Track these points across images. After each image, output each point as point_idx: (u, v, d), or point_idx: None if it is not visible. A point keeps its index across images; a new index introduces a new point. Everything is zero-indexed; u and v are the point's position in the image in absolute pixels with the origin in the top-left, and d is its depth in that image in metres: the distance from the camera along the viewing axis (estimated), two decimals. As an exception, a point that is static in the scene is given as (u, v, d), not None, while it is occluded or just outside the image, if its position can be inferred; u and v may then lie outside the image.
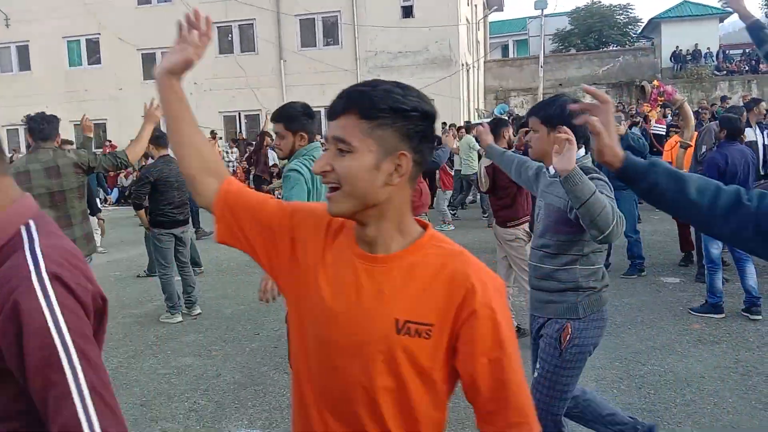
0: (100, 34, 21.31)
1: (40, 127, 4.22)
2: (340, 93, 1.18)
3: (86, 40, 21.76)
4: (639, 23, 34.07)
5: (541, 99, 21.54)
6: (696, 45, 25.30)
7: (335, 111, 1.17)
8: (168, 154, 5.96)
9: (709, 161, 5.43)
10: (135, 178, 5.96)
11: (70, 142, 8.40)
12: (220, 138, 18.98)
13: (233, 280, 7.43)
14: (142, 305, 6.63)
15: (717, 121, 6.73)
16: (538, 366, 2.56)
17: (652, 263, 7.02)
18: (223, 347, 5.17)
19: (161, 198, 5.87)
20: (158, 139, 5.80)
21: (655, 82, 5.41)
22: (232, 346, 5.16)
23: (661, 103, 5.59)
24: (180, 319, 5.90)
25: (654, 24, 28.54)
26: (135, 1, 21.10)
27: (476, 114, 21.96)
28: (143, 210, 6.02)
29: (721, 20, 28.66)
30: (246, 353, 5.01)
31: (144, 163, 10.93)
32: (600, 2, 34.56)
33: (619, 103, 19.60)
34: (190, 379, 4.46)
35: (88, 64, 21.95)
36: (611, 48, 30.92)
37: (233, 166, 17.98)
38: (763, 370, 4.18)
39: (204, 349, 5.10)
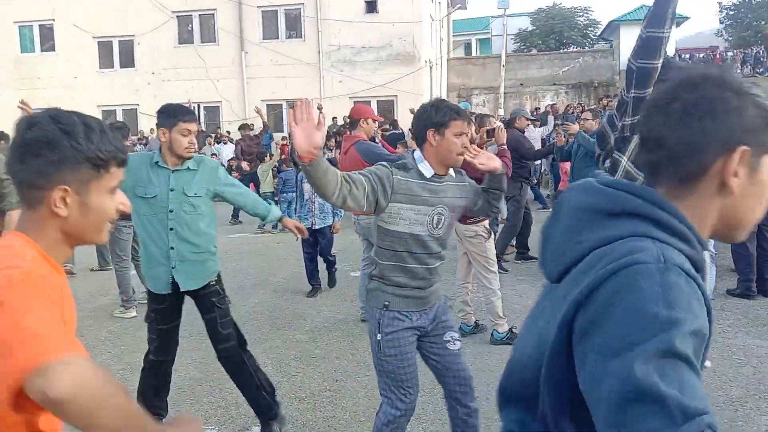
0: (54, 20, 20.64)
1: None
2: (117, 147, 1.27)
3: (39, 25, 21.04)
4: (598, 26, 34.75)
5: (503, 98, 21.58)
6: (653, 48, 25.89)
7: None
8: (128, 144, 5.84)
9: None
10: None
11: None
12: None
13: (190, 274, 7.28)
14: (95, 299, 6.45)
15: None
16: (458, 337, 2.81)
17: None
18: (179, 342, 5.06)
19: None
20: (120, 130, 5.65)
21: None
22: (188, 341, 5.05)
23: None
24: (134, 314, 5.76)
25: (613, 26, 29.14)
26: (92, -13, 20.52)
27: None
28: None
29: (678, 25, 29.46)
30: (202, 349, 4.91)
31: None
32: (561, 4, 35.16)
33: (578, 103, 19.95)
34: (143, 376, 4.35)
35: (42, 50, 21.23)
36: (571, 49, 31.45)
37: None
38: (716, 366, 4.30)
39: (159, 345, 4.99)
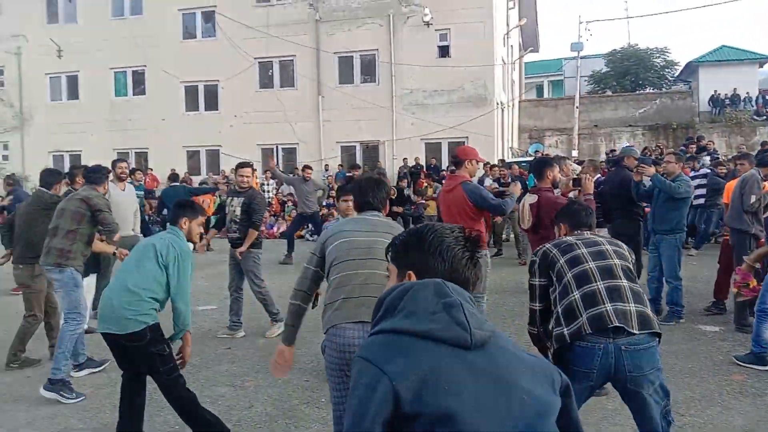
0: (146, 66, 22.07)
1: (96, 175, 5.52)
2: None
3: (132, 71, 22.55)
4: (676, 66, 33.86)
5: (576, 139, 21.24)
6: (735, 89, 25.02)
7: None
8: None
9: None
10: (245, 203, 6.68)
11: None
12: (255, 170, 19.27)
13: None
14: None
15: (758, 169, 6.61)
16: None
17: (690, 310, 6.87)
18: (255, 378, 5.20)
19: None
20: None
21: (735, 290, 5.23)
22: (264, 377, 5.19)
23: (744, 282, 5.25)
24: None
25: (692, 68, 28.38)
26: (180, 35, 21.85)
27: (510, 153, 21.98)
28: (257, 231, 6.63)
29: (761, 65, 28.37)
30: (278, 385, 5.03)
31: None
32: (637, 45, 34.53)
33: (656, 146, 19.43)
34: (222, 409, 4.48)
35: (133, 94, 22.69)
36: (648, 90, 30.77)
37: (270, 197, 18.26)
38: (808, 426, 4.04)
39: (237, 380, 5.14)
